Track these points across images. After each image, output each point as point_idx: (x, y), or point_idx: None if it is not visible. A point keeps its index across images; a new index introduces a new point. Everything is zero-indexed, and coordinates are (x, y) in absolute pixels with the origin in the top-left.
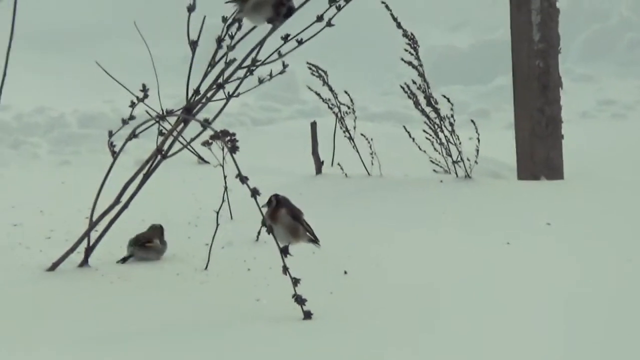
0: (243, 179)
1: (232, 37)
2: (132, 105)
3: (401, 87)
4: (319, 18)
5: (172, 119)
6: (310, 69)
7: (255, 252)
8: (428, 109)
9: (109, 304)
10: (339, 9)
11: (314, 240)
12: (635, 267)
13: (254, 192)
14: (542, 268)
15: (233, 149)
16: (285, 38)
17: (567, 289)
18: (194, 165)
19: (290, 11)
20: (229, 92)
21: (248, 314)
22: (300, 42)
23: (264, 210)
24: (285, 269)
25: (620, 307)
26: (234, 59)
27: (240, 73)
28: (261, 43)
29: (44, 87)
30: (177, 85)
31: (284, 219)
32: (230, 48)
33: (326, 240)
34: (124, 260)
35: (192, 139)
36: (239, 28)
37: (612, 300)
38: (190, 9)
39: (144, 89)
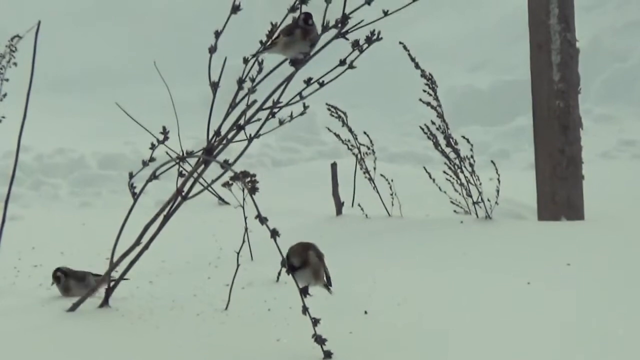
0: (262, 220)
1: (253, 80)
2: (153, 147)
3: (420, 128)
4: (342, 62)
5: (192, 161)
6: (329, 110)
7: (275, 293)
8: (448, 150)
9: (130, 344)
10: (361, 51)
11: (328, 285)
12: None
13: (274, 233)
14: (563, 308)
15: (252, 190)
16: (308, 81)
17: (588, 329)
18: (214, 207)
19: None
20: (250, 134)
21: (269, 355)
22: (321, 85)
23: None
24: (305, 309)
25: None
26: (255, 101)
27: (261, 114)
28: (284, 85)
29: (64, 128)
30: (197, 126)
31: (313, 259)
32: (252, 90)
33: (346, 280)
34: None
35: (213, 181)
36: (260, 71)
37: (635, 341)
38: (212, 50)
39: (164, 132)
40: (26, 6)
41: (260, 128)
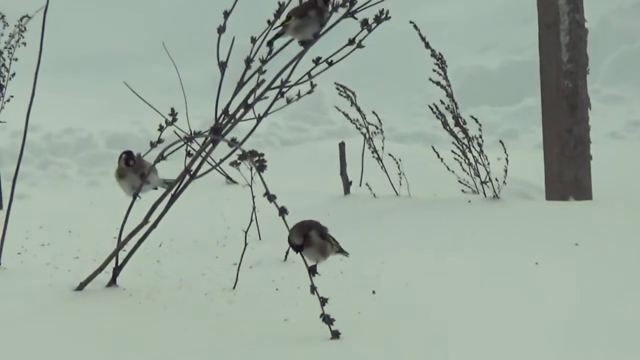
0: (271, 198)
1: (262, 61)
2: (161, 128)
3: (430, 107)
4: (351, 41)
5: (201, 140)
6: (338, 89)
7: (283, 272)
8: (456, 130)
9: (137, 324)
10: (369, 30)
11: (343, 251)
12: None
13: (282, 211)
14: (571, 288)
15: (261, 168)
16: (317, 61)
17: (596, 309)
18: (222, 186)
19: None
20: (259, 114)
21: (276, 334)
22: (330, 64)
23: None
24: (313, 289)
25: None
26: (264, 80)
27: (269, 93)
28: (293, 64)
29: (72, 108)
30: (205, 106)
31: (315, 239)
32: (261, 71)
33: (354, 260)
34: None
35: (222, 160)
36: (270, 52)
37: None
38: (220, 30)
39: (173, 113)
40: None
41: (269, 108)
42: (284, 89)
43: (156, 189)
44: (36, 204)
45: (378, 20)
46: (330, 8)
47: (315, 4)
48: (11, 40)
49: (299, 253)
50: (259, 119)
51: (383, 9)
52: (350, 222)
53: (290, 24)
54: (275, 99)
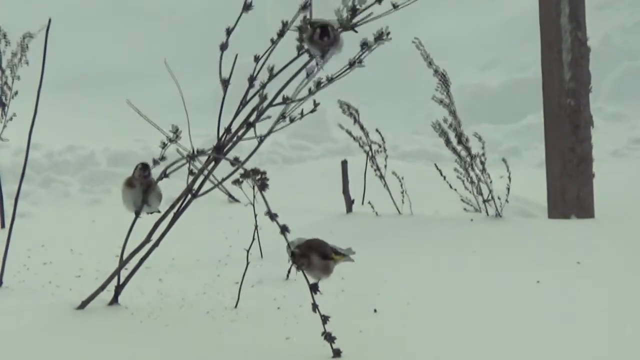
0: (272, 216)
1: (263, 86)
2: (164, 146)
3: (432, 125)
4: (352, 63)
5: (203, 158)
6: (341, 107)
7: (285, 291)
8: (459, 148)
9: (139, 342)
10: (370, 50)
11: (347, 256)
12: None
13: (283, 229)
14: (572, 307)
15: (262, 187)
16: (317, 84)
17: (597, 327)
18: (224, 204)
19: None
20: (260, 136)
21: (278, 353)
22: (330, 80)
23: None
24: (315, 307)
25: None
26: (265, 98)
27: (271, 112)
28: (290, 81)
29: (74, 126)
30: (207, 124)
31: (317, 262)
32: (262, 95)
33: (356, 278)
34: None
35: (224, 179)
36: (270, 77)
37: None
38: (223, 47)
39: (176, 131)
40: (38, 5)
41: (272, 129)
42: (286, 111)
43: (151, 213)
44: (38, 222)
45: (378, 39)
46: (326, 41)
47: (314, 31)
48: (14, 59)
49: (300, 270)
50: (261, 140)
51: (383, 29)
52: (352, 240)
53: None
54: (277, 121)
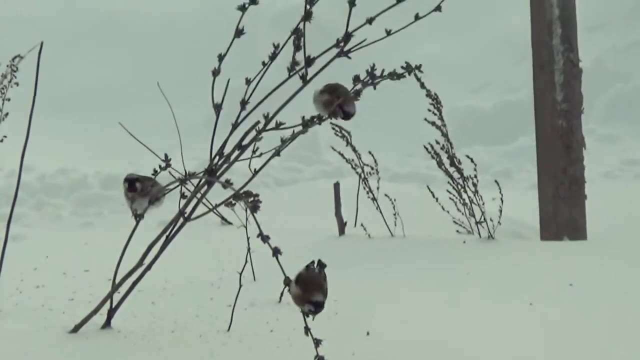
0: (264, 238)
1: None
2: (155, 172)
3: (425, 147)
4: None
5: (195, 181)
6: (333, 129)
7: (277, 313)
8: (451, 170)
9: None
10: (364, 85)
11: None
12: None
13: (275, 252)
14: (565, 329)
15: (254, 209)
16: (305, 123)
17: (591, 349)
18: (217, 227)
19: (347, 115)
20: (255, 169)
21: None
22: (321, 122)
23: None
24: (307, 330)
25: None
26: (258, 122)
27: (263, 135)
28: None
29: (66, 149)
30: (201, 147)
31: (293, 291)
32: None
33: (348, 301)
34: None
35: (218, 205)
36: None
37: None
38: (215, 73)
39: (166, 159)
40: (27, 28)
41: (267, 162)
42: (281, 147)
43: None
44: (30, 245)
45: (372, 77)
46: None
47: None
48: (3, 80)
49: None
50: (255, 173)
51: (374, 65)
52: (345, 262)
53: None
54: (272, 157)
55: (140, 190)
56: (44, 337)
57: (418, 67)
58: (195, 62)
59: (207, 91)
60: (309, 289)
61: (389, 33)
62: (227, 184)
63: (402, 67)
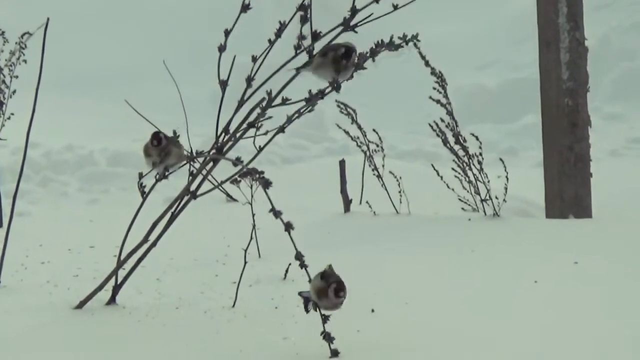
0: (276, 213)
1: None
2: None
3: (430, 125)
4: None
5: (201, 158)
6: (339, 107)
7: (282, 290)
8: (456, 147)
9: (137, 342)
10: (372, 59)
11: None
12: None
13: (288, 226)
14: (570, 306)
15: (266, 185)
16: (308, 99)
17: (595, 328)
18: (222, 204)
19: (356, 66)
20: (259, 146)
21: (276, 353)
22: (323, 96)
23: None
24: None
25: None
26: (264, 98)
27: (270, 111)
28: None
29: (73, 125)
30: (206, 124)
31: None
32: (262, 113)
33: (353, 278)
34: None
35: (224, 181)
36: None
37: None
38: (221, 49)
39: (175, 135)
40: (36, 5)
41: (271, 139)
42: (285, 125)
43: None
44: (36, 222)
45: (373, 53)
46: (346, 63)
47: (337, 50)
48: (12, 58)
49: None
50: (260, 150)
51: (381, 41)
52: (350, 240)
53: (314, 60)
54: (276, 134)
55: (165, 146)
56: (49, 313)
57: (415, 37)
58: (202, 40)
59: (213, 69)
60: (332, 280)
61: (395, 7)
62: (238, 161)
63: (399, 37)
